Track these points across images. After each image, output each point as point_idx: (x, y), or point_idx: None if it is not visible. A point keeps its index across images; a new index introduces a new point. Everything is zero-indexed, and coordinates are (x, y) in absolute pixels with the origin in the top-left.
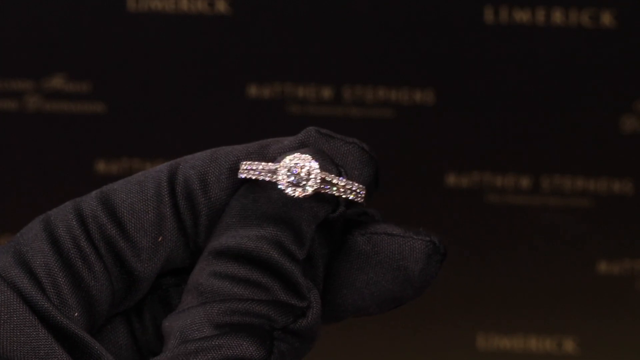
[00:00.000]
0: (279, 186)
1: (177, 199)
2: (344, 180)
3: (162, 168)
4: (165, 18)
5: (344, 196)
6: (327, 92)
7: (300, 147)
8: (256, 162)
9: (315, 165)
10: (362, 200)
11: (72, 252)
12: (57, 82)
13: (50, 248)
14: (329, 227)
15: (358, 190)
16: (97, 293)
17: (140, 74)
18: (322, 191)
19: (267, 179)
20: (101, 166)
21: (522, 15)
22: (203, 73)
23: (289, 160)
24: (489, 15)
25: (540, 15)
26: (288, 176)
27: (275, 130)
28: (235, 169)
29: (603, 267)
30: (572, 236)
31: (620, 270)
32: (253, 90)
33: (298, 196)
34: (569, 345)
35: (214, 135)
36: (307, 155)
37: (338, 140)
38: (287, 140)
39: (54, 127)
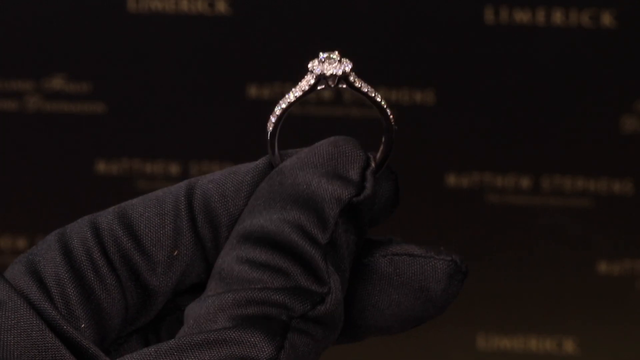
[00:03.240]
0: (314, 75)
1: (194, 213)
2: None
3: (181, 184)
4: (165, 18)
5: (362, 88)
6: (327, 92)
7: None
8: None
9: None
10: (378, 98)
11: (84, 263)
12: (57, 82)
13: (62, 259)
14: (355, 212)
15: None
16: (108, 306)
17: (140, 74)
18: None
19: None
20: (101, 166)
21: (522, 16)
22: (203, 73)
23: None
24: (489, 15)
25: (541, 16)
26: (324, 61)
27: None
28: (254, 175)
29: (603, 267)
30: (572, 236)
31: (621, 271)
32: (253, 91)
33: (328, 73)
34: (569, 346)
35: (214, 135)
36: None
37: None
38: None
39: (54, 128)
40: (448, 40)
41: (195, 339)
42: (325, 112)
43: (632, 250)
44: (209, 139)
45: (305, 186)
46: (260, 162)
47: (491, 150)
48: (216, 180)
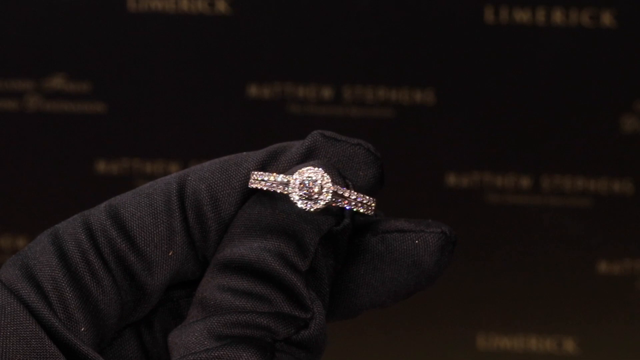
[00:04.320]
0: (292, 199)
1: (186, 213)
2: (355, 193)
3: (170, 180)
4: (165, 18)
5: (355, 209)
6: (327, 92)
7: (308, 153)
8: (267, 173)
9: (327, 178)
10: (372, 212)
11: (80, 266)
12: (57, 82)
13: (58, 262)
14: (333, 238)
15: (369, 203)
16: (105, 307)
17: (140, 74)
18: (334, 204)
19: (279, 191)
20: (101, 166)
21: (522, 15)
22: (203, 73)
23: (302, 173)
24: (489, 15)
25: (541, 15)
26: (300, 189)
27: (275, 130)
28: (246, 181)
29: (603, 267)
30: (572, 236)
31: (621, 270)
32: (253, 90)
33: (310, 209)
34: (569, 345)
35: (214, 135)
36: (320, 168)
37: (343, 143)
38: (295, 148)
39: (54, 127)
40: (448, 40)
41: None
42: (325, 112)
43: (632, 250)
44: (209, 139)
45: (285, 215)
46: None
47: (491, 150)
48: (207, 179)
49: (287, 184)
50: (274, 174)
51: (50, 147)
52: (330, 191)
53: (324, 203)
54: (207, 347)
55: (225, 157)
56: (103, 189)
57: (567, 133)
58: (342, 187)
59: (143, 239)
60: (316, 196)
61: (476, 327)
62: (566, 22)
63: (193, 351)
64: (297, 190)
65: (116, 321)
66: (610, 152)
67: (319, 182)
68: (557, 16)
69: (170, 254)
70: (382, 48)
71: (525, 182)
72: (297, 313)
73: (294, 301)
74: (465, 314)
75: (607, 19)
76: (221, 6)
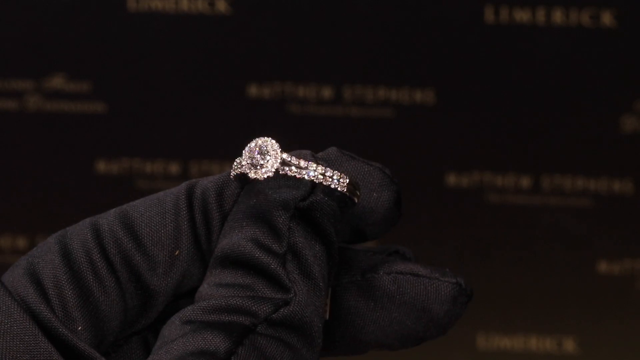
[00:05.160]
0: (240, 169)
1: (194, 212)
2: (320, 167)
3: (182, 184)
4: (165, 18)
5: (316, 181)
6: (327, 92)
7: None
8: (240, 158)
9: (275, 146)
10: (345, 189)
11: (83, 265)
12: (57, 82)
13: (61, 260)
14: (309, 217)
15: (339, 179)
16: (106, 308)
17: (140, 74)
18: (281, 172)
19: (235, 168)
20: (101, 166)
21: (522, 15)
22: (203, 73)
23: (252, 143)
24: (489, 15)
25: (541, 15)
26: (249, 157)
27: (275, 130)
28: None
29: (603, 267)
30: (572, 236)
31: (621, 270)
32: (253, 90)
33: (258, 177)
34: (569, 345)
35: (214, 136)
36: (270, 138)
37: (360, 162)
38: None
39: (54, 127)
40: (448, 40)
41: (158, 350)
42: (325, 111)
43: (632, 250)
44: (209, 139)
45: (255, 200)
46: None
47: (491, 150)
48: (216, 180)
49: (240, 160)
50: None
51: (50, 147)
52: (278, 158)
53: (269, 169)
54: (180, 333)
55: None
56: (103, 188)
57: (567, 133)
58: (296, 157)
59: (150, 238)
60: (261, 162)
61: (476, 327)
62: (566, 22)
63: (166, 340)
64: (246, 159)
65: (118, 324)
66: (610, 152)
67: (264, 147)
68: (557, 16)
69: (176, 253)
70: (382, 48)
71: (525, 182)
72: (276, 295)
73: (274, 284)
74: (465, 314)
75: (607, 18)
76: (221, 6)
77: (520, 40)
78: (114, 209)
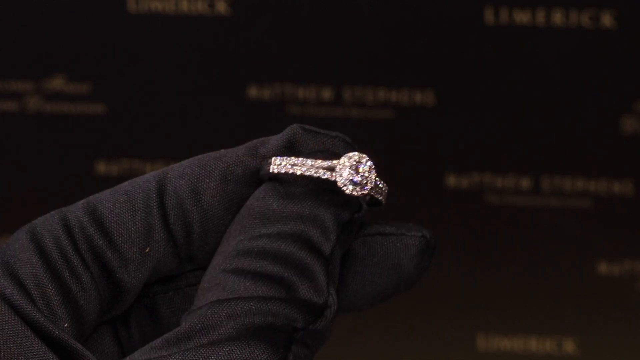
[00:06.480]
0: (339, 183)
1: (166, 209)
2: (384, 183)
3: (149, 178)
4: (165, 19)
5: (380, 197)
6: (327, 93)
7: (288, 146)
8: (293, 157)
9: (372, 166)
10: (384, 200)
11: (59, 263)
12: (57, 83)
13: (38, 259)
14: (350, 227)
15: (384, 189)
16: (85, 303)
17: (140, 75)
18: (373, 193)
19: (326, 176)
20: (101, 167)
21: (522, 16)
22: (203, 74)
23: (350, 158)
24: (489, 16)
25: (541, 16)
26: (350, 174)
27: (275, 131)
28: (226, 173)
29: (603, 268)
30: (572, 237)
31: (621, 271)
32: (253, 91)
33: (355, 194)
34: (569, 346)
35: (214, 136)
36: (365, 155)
37: (323, 135)
38: (274, 140)
39: (54, 128)
40: (448, 40)
41: (202, 340)
42: (325, 113)
43: (632, 250)
44: (209, 140)
45: (309, 202)
46: (236, 167)
47: (491, 150)
48: (186, 175)
49: (333, 168)
50: (300, 158)
51: (50, 148)
52: (374, 179)
53: (368, 190)
54: (224, 333)
55: (203, 155)
56: (103, 189)
57: (567, 133)
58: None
59: (120, 236)
60: (364, 182)
61: (476, 327)
62: (566, 23)
63: (210, 333)
64: (347, 173)
65: (95, 317)
66: (610, 153)
67: (367, 166)
68: (557, 17)
69: (147, 250)
70: (382, 48)
71: (525, 182)
72: (315, 300)
73: (313, 287)
74: (465, 314)
75: (607, 20)
76: (221, 7)
77: (520, 41)
78: (81, 202)
